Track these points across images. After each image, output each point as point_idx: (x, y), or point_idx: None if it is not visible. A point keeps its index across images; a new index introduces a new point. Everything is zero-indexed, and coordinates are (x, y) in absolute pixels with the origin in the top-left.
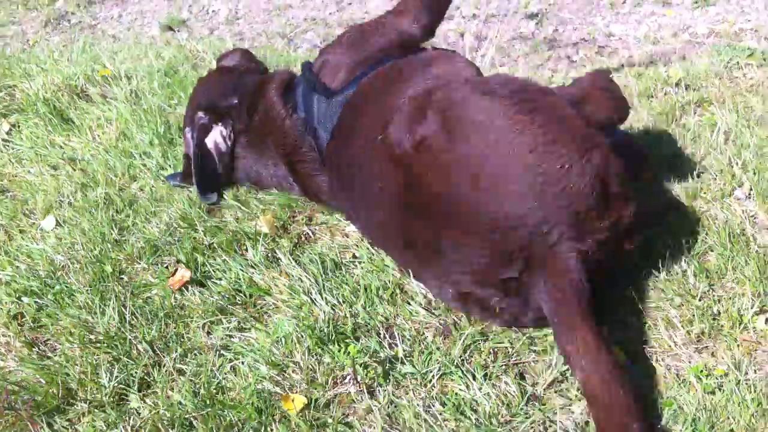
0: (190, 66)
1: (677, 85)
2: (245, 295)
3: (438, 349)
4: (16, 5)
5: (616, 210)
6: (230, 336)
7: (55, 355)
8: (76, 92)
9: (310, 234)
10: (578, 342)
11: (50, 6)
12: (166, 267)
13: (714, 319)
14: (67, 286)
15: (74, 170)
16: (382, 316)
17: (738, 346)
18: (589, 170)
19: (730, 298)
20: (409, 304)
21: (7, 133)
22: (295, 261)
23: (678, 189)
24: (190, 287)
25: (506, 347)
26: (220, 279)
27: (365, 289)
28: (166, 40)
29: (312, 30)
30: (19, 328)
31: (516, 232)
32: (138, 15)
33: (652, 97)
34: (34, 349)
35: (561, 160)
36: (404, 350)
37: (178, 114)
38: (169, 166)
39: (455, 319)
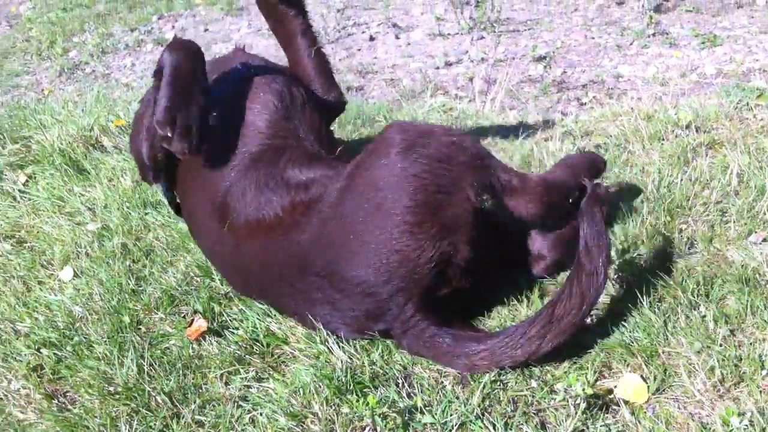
0: None
1: (687, 127)
2: (262, 345)
3: (457, 398)
4: (30, 55)
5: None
6: (248, 386)
7: (75, 408)
8: (91, 143)
9: None
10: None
11: (64, 56)
12: (184, 317)
13: (736, 365)
14: (85, 338)
15: (91, 221)
16: (399, 364)
17: (761, 392)
18: (436, 257)
19: (751, 344)
20: None
21: (24, 184)
22: None
23: (693, 233)
24: (207, 337)
25: (526, 395)
26: (237, 329)
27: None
28: None
29: None
30: (38, 380)
31: (375, 297)
32: (151, 64)
33: (663, 139)
34: (53, 401)
35: (415, 248)
36: (423, 400)
37: None
38: None
39: None
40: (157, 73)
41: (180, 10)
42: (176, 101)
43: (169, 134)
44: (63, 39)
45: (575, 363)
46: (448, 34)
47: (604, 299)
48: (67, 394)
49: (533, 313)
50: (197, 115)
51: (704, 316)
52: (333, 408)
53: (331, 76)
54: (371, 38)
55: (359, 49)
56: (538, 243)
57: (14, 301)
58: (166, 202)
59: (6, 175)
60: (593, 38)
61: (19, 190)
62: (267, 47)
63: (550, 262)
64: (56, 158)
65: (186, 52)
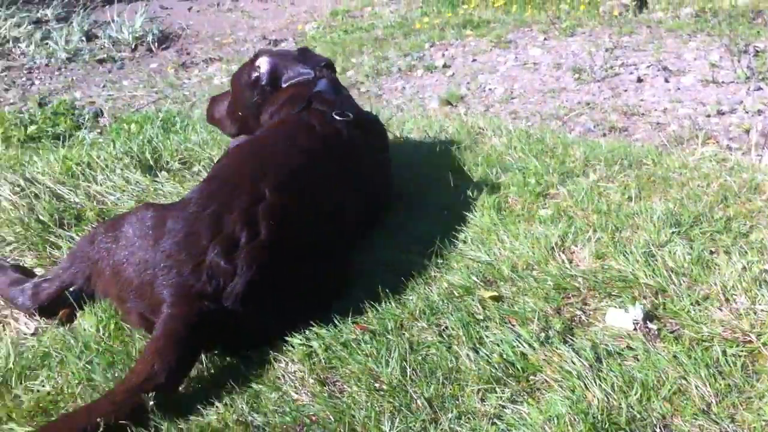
0: (470, 141)
1: None
2: (517, 369)
3: None
4: None
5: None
6: (503, 406)
7: (343, 397)
8: None
9: (583, 318)
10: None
11: (342, 75)
12: (444, 329)
13: None
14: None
15: None
16: (658, 412)
17: None
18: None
19: None
20: (688, 405)
21: None
22: (567, 343)
23: None
24: (466, 352)
25: None
26: (493, 352)
27: (642, 383)
28: (445, 114)
29: (586, 114)
30: (312, 366)
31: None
32: (419, 88)
33: None
34: (324, 387)
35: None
36: None
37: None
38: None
39: (735, 428)
40: None
41: (451, 40)
42: None
43: None
44: (342, 58)
45: None
46: (723, 81)
47: None
48: (337, 383)
49: None
50: None
51: None
52: None
53: None
54: (639, 80)
55: (625, 90)
56: None
57: None
58: None
59: None
60: None
61: None
62: (531, 81)
63: None
64: None
65: None
